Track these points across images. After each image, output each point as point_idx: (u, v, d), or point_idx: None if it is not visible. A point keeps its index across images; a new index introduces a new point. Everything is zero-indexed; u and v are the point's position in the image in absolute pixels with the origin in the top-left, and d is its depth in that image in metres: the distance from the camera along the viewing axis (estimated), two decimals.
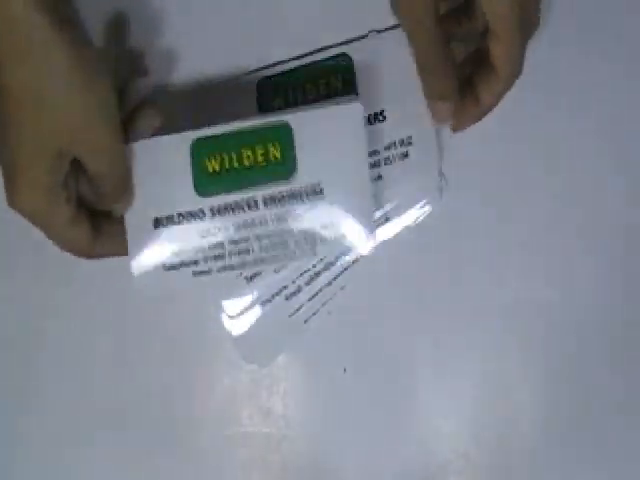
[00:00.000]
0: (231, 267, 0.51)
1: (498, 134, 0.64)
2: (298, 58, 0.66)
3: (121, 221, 0.50)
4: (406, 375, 0.66)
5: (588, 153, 0.65)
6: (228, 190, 0.49)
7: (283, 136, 0.48)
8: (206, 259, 0.50)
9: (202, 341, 0.66)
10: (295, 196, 0.49)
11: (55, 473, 0.69)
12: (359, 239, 0.52)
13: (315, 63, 0.65)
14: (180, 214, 0.48)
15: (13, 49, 0.38)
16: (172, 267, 0.50)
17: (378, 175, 0.61)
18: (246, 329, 0.64)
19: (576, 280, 0.66)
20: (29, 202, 0.44)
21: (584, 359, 0.66)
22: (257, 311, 0.64)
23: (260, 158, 0.48)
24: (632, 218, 0.65)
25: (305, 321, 0.65)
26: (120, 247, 0.51)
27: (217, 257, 0.50)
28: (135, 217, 0.49)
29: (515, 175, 0.65)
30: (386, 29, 0.63)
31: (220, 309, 0.64)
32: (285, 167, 0.49)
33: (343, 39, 0.65)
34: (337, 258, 0.62)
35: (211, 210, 0.48)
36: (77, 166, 0.48)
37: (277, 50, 0.66)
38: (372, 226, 0.52)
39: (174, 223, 0.48)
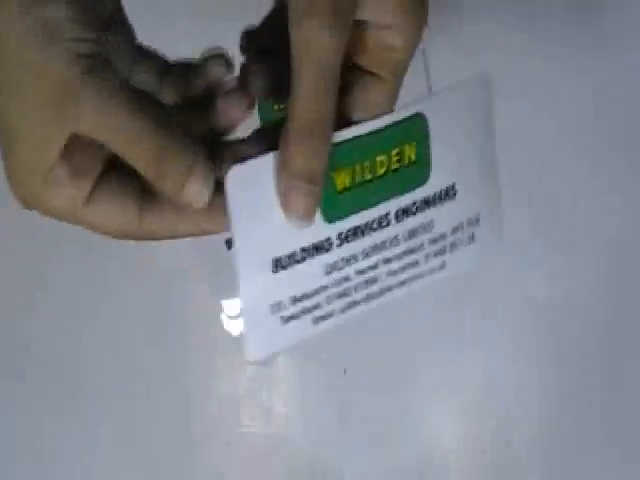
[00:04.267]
0: (355, 304, 0.41)
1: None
2: None
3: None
4: (406, 375, 0.66)
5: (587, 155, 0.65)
6: (360, 209, 0.40)
7: (419, 131, 0.39)
8: (329, 299, 0.41)
9: (202, 341, 0.66)
10: (429, 203, 0.40)
11: (56, 470, 0.69)
12: (490, 241, 0.44)
13: None
14: (304, 249, 0.39)
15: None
16: (292, 317, 0.40)
17: None
18: None
19: (579, 281, 0.66)
20: (25, 187, 0.36)
21: (585, 359, 0.66)
22: None
23: (395, 164, 0.39)
24: (635, 220, 0.65)
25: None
26: (180, 222, 0.38)
27: (342, 295, 0.41)
28: (247, 258, 0.39)
29: (517, 176, 0.65)
30: None
31: (220, 309, 0.64)
32: (420, 170, 0.40)
33: None
34: None
35: (339, 237, 0.40)
36: None
37: None
38: (502, 224, 0.44)
39: (297, 262, 0.39)
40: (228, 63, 0.41)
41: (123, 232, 0.39)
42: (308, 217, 0.36)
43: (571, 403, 0.66)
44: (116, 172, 0.37)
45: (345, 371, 0.66)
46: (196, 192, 0.36)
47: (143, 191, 0.38)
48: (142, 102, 0.35)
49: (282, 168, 0.34)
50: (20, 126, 0.35)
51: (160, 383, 0.67)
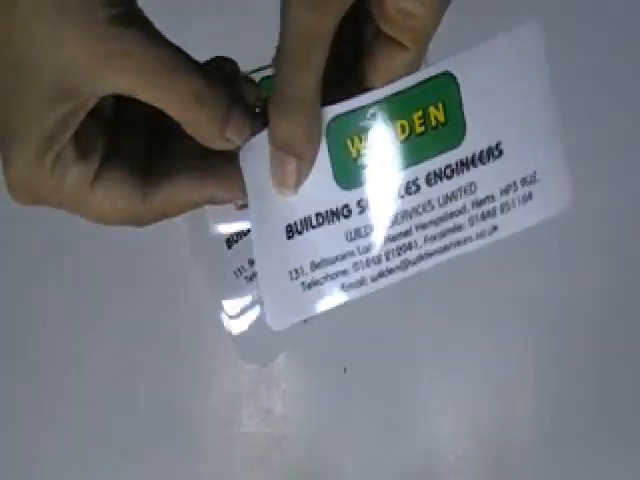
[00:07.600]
0: (390, 271, 0.40)
1: None
2: None
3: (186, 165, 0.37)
4: (406, 375, 0.66)
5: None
6: (379, 176, 0.39)
7: (447, 91, 0.38)
8: (357, 266, 0.40)
9: (202, 341, 0.66)
10: (467, 165, 0.39)
11: (56, 471, 0.69)
12: (553, 198, 0.41)
13: None
14: (319, 214, 0.39)
15: None
16: (314, 284, 0.40)
17: None
18: (246, 329, 0.64)
19: (577, 280, 0.66)
20: (22, 173, 0.34)
21: (585, 359, 0.66)
22: (257, 311, 0.64)
23: (418, 127, 0.38)
24: (634, 218, 0.66)
25: (305, 321, 0.64)
26: (186, 196, 0.37)
27: (370, 261, 0.40)
28: (261, 228, 0.39)
29: None
30: None
31: (220, 309, 0.64)
32: (452, 131, 0.38)
33: None
34: None
35: (359, 204, 0.39)
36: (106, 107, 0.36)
37: None
38: (568, 177, 0.40)
39: (312, 227, 0.39)
40: (234, 63, 0.41)
41: (126, 216, 0.38)
42: (290, 187, 0.36)
43: (571, 403, 0.66)
44: (117, 155, 0.37)
45: (345, 370, 0.66)
46: (236, 130, 0.36)
47: (144, 171, 0.37)
48: (178, 50, 0.34)
49: (268, 138, 0.35)
50: (38, 104, 0.33)
51: (160, 383, 0.67)
